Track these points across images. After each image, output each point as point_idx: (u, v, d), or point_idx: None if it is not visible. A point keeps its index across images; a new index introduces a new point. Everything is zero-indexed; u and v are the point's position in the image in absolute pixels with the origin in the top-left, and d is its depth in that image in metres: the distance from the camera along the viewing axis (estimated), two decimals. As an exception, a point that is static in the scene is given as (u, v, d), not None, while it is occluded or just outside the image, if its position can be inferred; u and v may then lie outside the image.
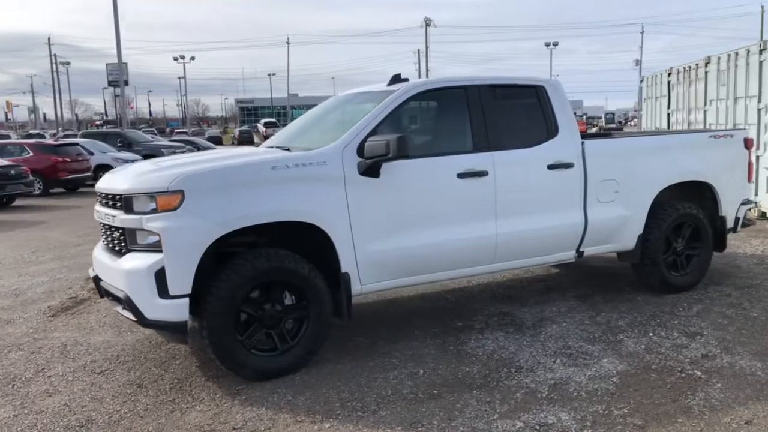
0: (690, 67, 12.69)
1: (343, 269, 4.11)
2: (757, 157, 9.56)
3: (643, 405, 3.46)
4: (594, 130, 45.25)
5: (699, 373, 3.84)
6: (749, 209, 5.97)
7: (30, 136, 43.02)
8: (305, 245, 4.14)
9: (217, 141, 46.97)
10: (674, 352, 4.18)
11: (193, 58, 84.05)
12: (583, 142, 5.03)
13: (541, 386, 3.74)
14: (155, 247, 3.69)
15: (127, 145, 23.99)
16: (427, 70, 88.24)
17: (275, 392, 3.74)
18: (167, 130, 63.78)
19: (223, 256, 3.94)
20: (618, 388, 3.68)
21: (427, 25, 77.40)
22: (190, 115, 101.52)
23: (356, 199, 4.12)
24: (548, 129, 4.95)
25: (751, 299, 5.27)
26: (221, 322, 3.73)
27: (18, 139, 33.78)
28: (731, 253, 7.06)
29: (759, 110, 9.52)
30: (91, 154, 20.21)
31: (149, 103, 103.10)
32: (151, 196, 3.72)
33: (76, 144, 20.19)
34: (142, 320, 3.74)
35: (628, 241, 5.31)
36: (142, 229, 3.73)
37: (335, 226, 4.05)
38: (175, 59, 79.00)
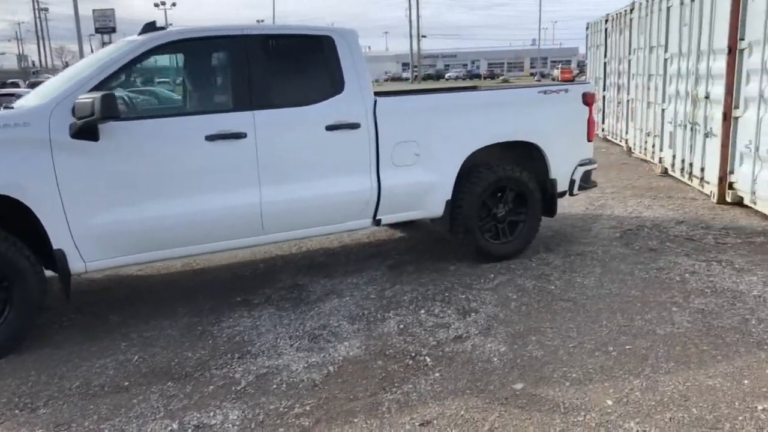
0: (620, 14, 12.00)
1: (56, 246, 3.70)
2: (663, 110, 9.07)
3: (334, 400, 3.11)
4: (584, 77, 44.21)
5: (429, 360, 3.48)
6: (589, 170, 5.51)
7: (4, 84, 42.10)
8: (20, 219, 3.72)
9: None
10: (428, 334, 3.82)
11: (174, 4, 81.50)
12: (375, 100, 4.55)
13: (247, 376, 3.38)
14: None
15: (75, 95, 23.26)
16: (418, 17, 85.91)
17: (-47, 383, 3.40)
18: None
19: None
20: (327, 379, 3.33)
21: (419, -33, 74.80)
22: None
23: (67, 166, 3.67)
24: (332, 85, 4.45)
25: (565, 270, 4.89)
26: None
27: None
28: (596, 215, 6.66)
29: (665, 60, 8.95)
30: (30, 105, 19.54)
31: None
32: None
33: (12, 95, 19.51)
34: None
35: (435, 207, 4.89)
36: None
37: (38, 197, 3.61)
38: (156, 5, 76.65)
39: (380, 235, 6.19)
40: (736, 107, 6.69)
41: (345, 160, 4.47)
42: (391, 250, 5.70)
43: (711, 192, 7.18)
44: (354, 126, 4.45)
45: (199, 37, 4.20)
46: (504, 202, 5.15)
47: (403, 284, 4.73)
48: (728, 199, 6.86)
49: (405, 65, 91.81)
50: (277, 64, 4.39)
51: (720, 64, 6.87)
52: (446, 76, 79.65)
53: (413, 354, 3.57)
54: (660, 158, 9.20)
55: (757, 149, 6.20)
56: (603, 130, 13.61)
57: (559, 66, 61.61)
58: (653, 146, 9.62)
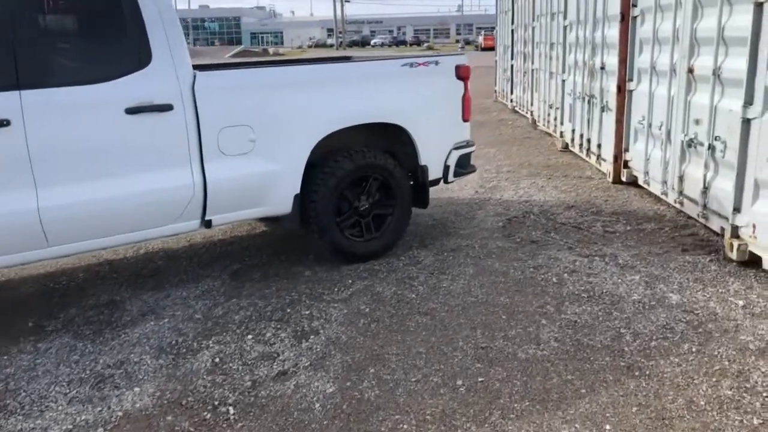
0: (525, -23, 11.45)
1: None
2: (563, 81, 8.60)
3: (83, 485, 2.35)
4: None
5: (233, 411, 2.76)
6: (466, 154, 4.88)
7: None
8: None
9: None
10: (246, 371, 3.09)
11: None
12: (195, 75, 3.70)
13: (-18, 450, 2.57)
14: None
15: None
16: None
17: None
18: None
19: None
20: (88, 448, 2.57)
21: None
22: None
23: None
24: (134, 57, 3.56)
25: (434, 271, 4.26)
26: None
27: None
28: (484, 199, 6.09)
29: (564, 28, 8.45)
30: None
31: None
32: None
33: None
34: None
35: (281, 203, 4.12)
36: None
37: None
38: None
39: (239, 230, 5.39)
40: (630, 79, 6.22)
41: (155, 151, 3.62)
42: (244, 249, 4.91)
43: (607, 171, 6.76)
44: (165, 108, 3.59)
45: (-62, -6, 3.20)
46: (368, 194, 4.45)
47: (241, 297, 3.97)
48: (623, 179, 6.45)
49: (330, 31, 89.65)
50: (56, 30, 3.48)
51: (614, 32, 6.36)
52: (372, 42, 78.30)
53: (216, 402, 2.83)
54: (561, 132, 8.77)
55: (650, 126, 5.76)
56: (512, 101, 13.18)
57: (483, 33, 61.32)
58: (555, 119, 9.18)
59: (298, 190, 4.14)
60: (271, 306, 3.82)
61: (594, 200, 5.94)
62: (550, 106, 9.50)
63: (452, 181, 4.90)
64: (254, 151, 3.92)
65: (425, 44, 72.07)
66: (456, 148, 4.79)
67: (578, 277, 4.05)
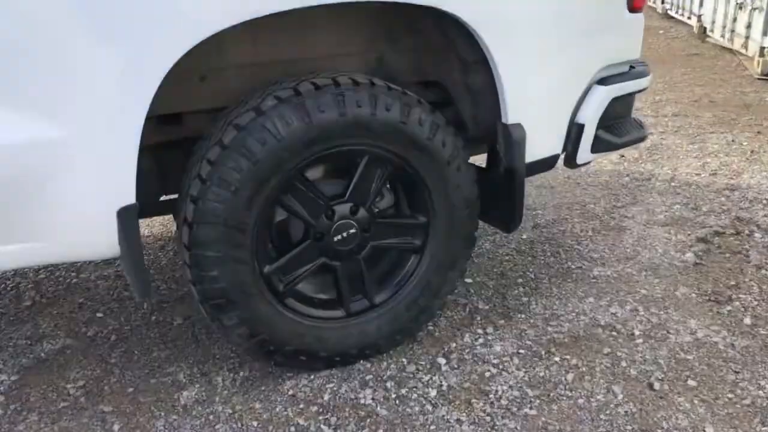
0: None
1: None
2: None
3: None
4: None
5: None
6: (627, 96, 1.92)
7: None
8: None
9: None
10: None
11: None
12: None
13: None
14: None
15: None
16: None
17: None
18: None
19: None
20: None
21: None
22: None
23: None
24: None
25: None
26: None
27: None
28: (640, 176, 3.11)
29: None
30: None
31: None
32: None
33: None
34: None
35: (78, 232, 1.42)
36: None
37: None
38: None
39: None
40: None
41: None
42: (111, 289, 2.35)
43: None
44: None
45: None
46: (357, 200, 1.67)
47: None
48: None
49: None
50: None
51: None
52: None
53: None
54: (762, 49, 5.35)
55: None
56: (663, 1, 9.45)
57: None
58: (748, 27, 5.72)
59: (132, 198, 1.44)
60: None
61: None
62: (740, 6, 5.99)
63: (587, 163, 1.98)
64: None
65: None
66: (604, 81, 1.85)
67: None
